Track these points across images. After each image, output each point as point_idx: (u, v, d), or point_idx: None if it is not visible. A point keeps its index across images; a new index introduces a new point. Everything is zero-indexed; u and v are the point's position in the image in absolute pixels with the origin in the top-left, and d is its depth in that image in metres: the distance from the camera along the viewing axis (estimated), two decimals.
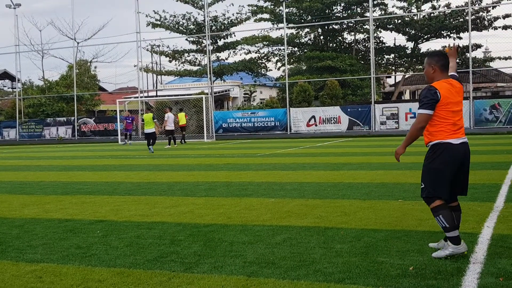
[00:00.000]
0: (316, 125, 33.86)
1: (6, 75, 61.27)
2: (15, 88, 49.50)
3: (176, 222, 7.03)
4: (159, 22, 40.00)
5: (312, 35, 45.94)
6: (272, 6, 42.39)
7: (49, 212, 8.17)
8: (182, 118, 29.35)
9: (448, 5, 40.02)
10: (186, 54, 42.28)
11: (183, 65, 42.73)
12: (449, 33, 40.33)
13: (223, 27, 40.54)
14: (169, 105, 31.94)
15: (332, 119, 33.41)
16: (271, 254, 5.27)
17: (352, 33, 44.95)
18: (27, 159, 21.42)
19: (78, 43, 43.18)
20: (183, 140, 29.41)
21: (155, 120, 23.66)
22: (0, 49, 42.74)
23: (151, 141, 22.69)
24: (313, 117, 33.95)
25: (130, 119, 33.23)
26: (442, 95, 4.83)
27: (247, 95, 49.50)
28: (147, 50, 42.40)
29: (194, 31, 40.43)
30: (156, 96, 45.62)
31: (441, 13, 39.42)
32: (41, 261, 5.36)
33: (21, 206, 8.89)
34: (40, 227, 7.08)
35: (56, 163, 18.24)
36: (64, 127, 39.50)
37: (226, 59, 43.42)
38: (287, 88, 35.62)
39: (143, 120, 24.10)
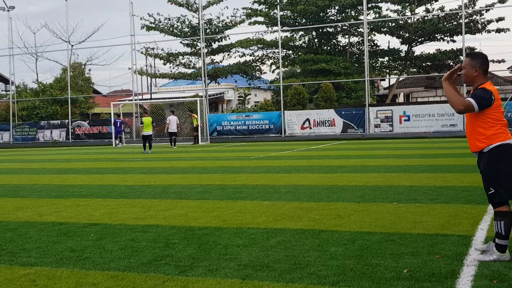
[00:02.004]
0: (310, 128, 33.91)
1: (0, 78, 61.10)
2: (9, 91, 49.31)
3: (171, 225, 7.02)
4: (153, 25, 39.99)
5: (306, 38, 46.04)
6: (266, 9, 42.45)
7: (43, 215, 8.14)
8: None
9: (441, 8, 40.20)
10: (180, 57, 42.28)
11: (178, 67, 42.76)
12: (443, 36, 40.49)
13: (217, 30, 40.57)
14: (171, 109, 32.32)
15: (326, 122, 33.47)
16: (265, 257, 5.27)
17: (347, 36, 45.08)
18: (20, 162, 21.35)
19: (72, 45, 43.15)
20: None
21: (154, 123, 24.39)
22: None
23: (147, 143, 24.10)
24: (308, 120, 34.00)
25: (119, 122, 33.49)
26: (495, 98, 4.80)
27: (241, 98, 49.53)
28: (142, 53, 42.37)
29: (189, 34, 40.44)
30: (151, 99, 45.58)
31: (435, 16, 39.59)
32: (35, 264, 5.34)
33: (15, 210, 8.85)
34: (34, 230, 7.05)
35: (50, 166, 18.19)
36: (58, 130, 39.39)
37: (221, 62, 43.48)
38: (281, 91, 35.67)
39: (142, 123, 24.68)
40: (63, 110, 41.19)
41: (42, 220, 7.78)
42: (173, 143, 29.08)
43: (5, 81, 56.01)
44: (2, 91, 59.11)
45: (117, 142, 33.28)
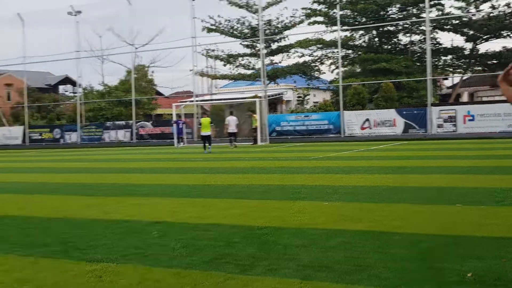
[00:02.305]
0: (370, 128, 33.43)
1: (67, 80, 63.51)
2: (76, 93, 51.20)
3: (231, 224, 7.11)
4: (214, 27, 40.50)
5: (366, 37, 45.38)
6: (326, 9, 42.14)
7: (109, 213, 8.42)
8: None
9: (508, 4, 38.70)
10: (240, 58, 42.64)
11: (237, 69, 43.13)
12: (509, 33, 38.97)
13: (276, 30, 40.65)
14: (231, 110, 32.78)
15: (387, 122, 32.91)
16: (325, 258, 5.26)
17: (408, 35, 44.12)
18: (87, 161, 22.12)
19: (136, 48, 44.28)
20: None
21: (212, 124, 24.87)
22: (62, 55, 44.34)
23: (206, 143, 24.66)
24: (367, 120, 33.54)
25: (180, 123, 34.28)
26: None
27: (300, 98, 49.37)
28: (202, 54, 42.99)
29: (248, 35, 40.71)
30: (211, 100, 46.19)
31: (501, 13, 38.16)
32: (101, 260, 5.53)
33: (83, 207, 9.20)
34: (100, 227, 7.31)
35: (115, 166, 18.75)
36: (123, 130, 40.52)
37: (280, 62, 43.52)
38: (341, 91, 35.34)
39: (200, 124, 25.28)
40: (127, 111, 42.35)
41: (108, 217, 8.05)
42: (232, 144, 29.39)
43: (73, 83, 58.19)
44: (70, 93, 61.47)
45: (180, 142, 33.94)
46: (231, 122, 29.50)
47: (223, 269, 5.02)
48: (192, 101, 40.87)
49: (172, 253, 5.72)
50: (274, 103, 51.56)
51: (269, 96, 41.97)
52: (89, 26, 48.92)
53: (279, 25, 40.77)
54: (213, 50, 42.32)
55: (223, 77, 45.61)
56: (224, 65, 43.17)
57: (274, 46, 41.70)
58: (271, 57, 42.64)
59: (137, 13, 56.32)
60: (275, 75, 42.01)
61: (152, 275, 4.92)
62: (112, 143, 40.11)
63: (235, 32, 41.13)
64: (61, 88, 64.65)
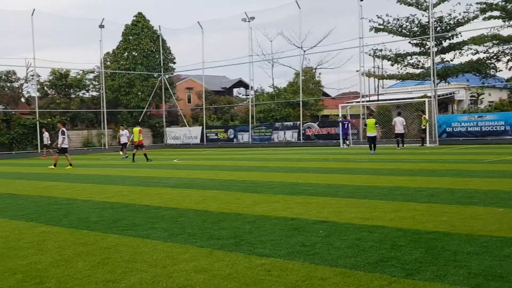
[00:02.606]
0: None
1: (241, 83, 66.85)
2: (249, 95, 53.65)
3: (397, 227, 7.01)
4: (382, 27, 39.75)
5: None
6: (503, 3, 39.08)
7: (277, 211, 8.78)
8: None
9: None
10: (408, 57, 41.30)
11: (406, 68, 41.82)
12: None
13: (448, 27, 38.67)
14: (398, 110, 32.17)
15: None
16: (499, 267, 4.98)
17: None
18: (257, 160, 23.11)
19: (304, 51, 45.13)
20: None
21: (377, 125, 24.72)
22: (237, 59, 46.51)
23: (372, 144, 24.66)
24: None
25: (346, 123, 34.28)
26: None
27: (473, 98, 46.46)
28: (370, 55, 42.38)
29: (418, 33, 39.28)
30: (378, 100, 45.41)
31: None
32: (269, 255, 5.81)
33: (253, 204, 9.69)
34: (269, 224, 7.65)
35: (283, 165, 19.37)
36: (291, 131, 41.57)
37: (451, 60, 41.27)
38: None
39: (365, 125, 25.30)
40: (295, 112, 43.35)
41: (276, 214, 8.40)
42: (400, 144, 28.85)
43: (246, 86, 61.08)
44: (243, 95, 64.58)
45: (345, 142, 34.22)
46: (398, 123, 28.95)
47: (388, 272, 5.00)
48: (358, 101, 40.58)
49: (337, 252, 5.82)
50: (445, 103, 49.13)
51: (439, 96, 40.11)
52: (261, 31, 50.86)
53: (451, 22, 38.72)
54: (380, 50, 41.53)
55: (391, 77, 44.55)
56: (392, 64, 42.12)
57: (445, 43, 39.71)
58: (442, 55, 40.64)
59: (306, 16, 57.28)
60: (445, 73, 39.97)
61: (317, 273, 5.06)
62: (280, 143, 41.38)
63: (403, 30, 39.93)
64: (235, 90, 68.19)
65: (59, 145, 23.02)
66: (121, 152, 31.84)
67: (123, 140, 31.39)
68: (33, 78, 43.76)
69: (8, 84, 43.72)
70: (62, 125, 23.87)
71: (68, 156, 22.98)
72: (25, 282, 5.14)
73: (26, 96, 46.02)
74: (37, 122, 39.81)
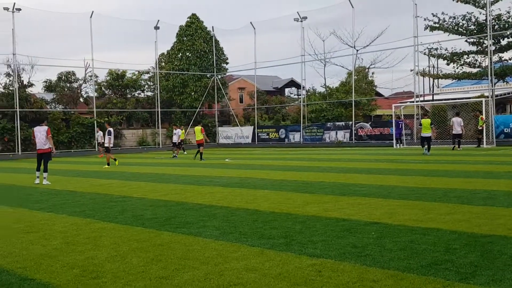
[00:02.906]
0: None
1: (292, 83, 66.75)
2: (300, 95, 53.52)
3: (451, 230, 6.86)
4: (437, 25, 38.85)
5: None
6: None
7: (328, 211, 8.74)
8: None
9: None
10: (465, 56, 40.21)
11: (462, 67, 40.72)
12: None
13: (506, 25, 37.40)
14: (456, 110, 31.49)
15: None
16: None
17: None
18: (309, 160, 23.04)
19: (357, 50, 44.66)
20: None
21: (432, 125, 24.69)
22: (288, 59, 46.47)
23: (425, 144, 24.54)
24: None
25: (400, 123, 33.75)
26: None
27: None
28: (424, 54, 41.53)
29: (475, 31, 38.18)
30: (432, 100, 44.42)
31: None
32: (320, 256, 5.80)
33: (304, 204, 9.68)
34: (320, 224, 7.63)
35: (334, 165, 19.23)
36: (343, 131, 41.21)
37: (510, 59, 39.88)
38: None
39: (420, 125, 25.21)
40: (347, 112, 42.95)
41: (327, 215, 8.36)
42: (456, 145, 28.23)
43: (298, 86, 60.95)
44: (294, 95, 64.48)
45: (398, 143, 33.72)
46: (456, 123, 28.29)
47: (442, 275, 4.90)
48: (412, 101, 39.82)
49: (389, 254, 5.75)
50: (503, 103, 47.52)
51: (496, 96, 38.86)
52: (313, 30, 50.55)
53: (510, 20, 37.42)
54: (436, 49, 40.65)
55: (446, 76, 43.48)
56: (447, 63, 41.07)
57: (503, 42, 38.41)
58: (500, 54, 39.34)
59: (359, 15, 56.64)
60: (504, 73, 38.65)
61: (369, 275, 5.02)
62: (331, 143, 41.09)
63: (460, 29, 38.89)
64: (287, 90, 68.14)
65: (105, 144, 23.93)
66: (184, 151, 32.73)
67: (176, 139, 31.87)
68: (91, 79, 45.16)
69: (68, 85, 45.23)
70: (109, 125, 24.71)
71: (110, 155, 23.61)
72: (83, 276, 5.32)
73: (85, 96, 47.46)
74: (95, 122, 41.02)
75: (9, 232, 7.84)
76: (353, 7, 40.29)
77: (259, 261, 5.67)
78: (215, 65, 49.49)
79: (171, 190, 12.83)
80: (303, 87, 48.24)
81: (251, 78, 56.49)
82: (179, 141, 32.83)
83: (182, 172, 18.35)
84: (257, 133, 47.15)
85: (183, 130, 36.94)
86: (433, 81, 52.25)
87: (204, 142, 27.02)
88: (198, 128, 27.19)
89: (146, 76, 51.39)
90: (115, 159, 23.72)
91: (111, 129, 24.00)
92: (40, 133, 15.65)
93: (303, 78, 45.50)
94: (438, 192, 10.70)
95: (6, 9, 36.96)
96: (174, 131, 32.40)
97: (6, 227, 8.29)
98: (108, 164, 22.95)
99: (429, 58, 43.98)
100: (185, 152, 34.43)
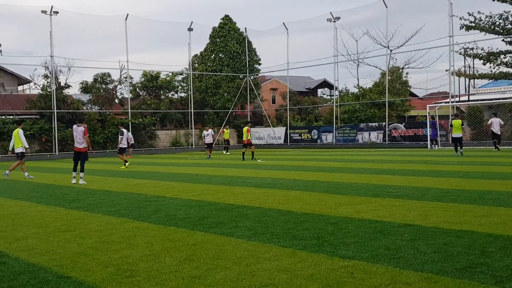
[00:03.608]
0: None
1: (325, 84, 66.47)
2: (333, 95, 53.25)
3: (487, 233, 6.74)
4: (473, 24, 38.17)
5: None
6: None
7: (361, 213, 8.68)
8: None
9: None
10: (502, 56, 39.36)
11: (499, 67, 39.88)
12: None
13: None
14: (494, 111, 30.98)
15: None
16: None
17: None
18: (341, 161, 22.90)
19: (391, 50, 44.19)
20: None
21: (464, 126, 24.71)
22: (321, 60, 46.43)
23: (458, 145, 24.72)
24: None
25: (434, 124, 33.33)
26: None
27: None
28: (460, 53, 40.79)
29: None
30: (468, 100, 43.64)
31: None
32: (352, 258, 5.77)
33: (336, 205, 9.64)
34: (352, 226, 7.58)
35: (367, 166, 19.08)
36: (376, 132, 40.82)
37: None
38: None
39: (451, 125, 25.10)
40: (380, 113, 42.53)
41: (360, 217, 8.31)
42: (496, 146, 27.75)
43: (330, 86, 60.66)
44: (327, 96, 64.20)
45: (434, 144, 33.25)
46: (495, 124, 27.81)
47: (476, 279, 4.83)
48: (447, 102, 39.19)
49: (423, 257, 5.68)
50: None
51: None
52: (346, 30, 50.26)
53: None
54: (471, 49, 39.87)
55: (482, 76, 42.66)
56: (484, 63, 40.28)
57: None
58: None
59: (393, 15, 56.04)
60: None
61: (402, 278, 4.97)
62: (364, 144, 40.76)
63: (496, 28, 38.11)
64: (319, 91, 67.91)
65: (118, 145, 24.29)
66: (226, 152, 33.01)
67: (208, 140, 31.90)
68: (126, 80, 45.81)
69: (103, 86, 46.00)
70: (122, 126, 25.14)
71: (122, 156, 23.86)
72: (117, 275, 5.41)
73: (120, 97, 48.24)
74: (129, 122, 41.61)
75: (46, 231, 8.03)
76: (387, 7, 39.91)
77: (291, 262, 5.68)
78: (247, 66, 49.63)
79: (203, 190, 12.93)
80: (335, 88, 47.97)
81: (283, 79, 56.45)
82: (224, 141, 33.22)
83: (215, 173, 18.47)
84: (290, 134, 47.08)
85: (228, 130, 37.02)
86: (469, 81, 51.32)
87: (248, 142, 27.13)
88: (245, 129, 27.62)
89: (179, 77, 51.92)
90: (126, 161, 23.65)
91: (124, 130, 24.31)
92: (77, 132, 15.98)
93: (336, 78, 45.27)
94: (473, 194, 10.52)
95: (44, 12, 37.82)
96: (206, 132, 32.39)
97: (44, 226, 8.50)
98: (125, 164, 23.17)
99: (464, 58, 43.19)
100: (227, 153, 34.52)
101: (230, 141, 42.55)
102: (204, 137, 32.59)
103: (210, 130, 32.66)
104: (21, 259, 6.23)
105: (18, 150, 19.05)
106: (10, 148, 19.60)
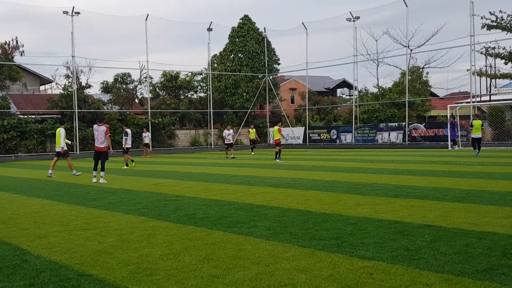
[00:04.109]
0: None
1: (344, 84, 66.17)
2: (352, 95, 52.98)
3: (509, 234, 6.66)
4: (495, 23, 37.70)
5: None
6: None
7: (380, 213, 8.63)
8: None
9: None
10: None
11: None
12: None
13: None
14: None
15: None
16: None
17: None
18: (361, 161, 22.78)
19: (411, 50, 43.83)
20: None
21: (483, 127, 24.93)
22: (340, 59, 46.26)
23: (476, 145, 24.92)
24: None
25: (452, 124, 33.01)
26: None
27: None
28: (481, 53, 40.31)
29: None
30: (489, 100, 43.11)
31: None
32: (372, 258, 5.74)
33: (355, 205, 9.60)
34: (372, 226, 7.55)
35: (387, 167, 18.95)
36: (396, 132, 40.53)
37: None
38: None
39: (472, 125, 25.06)
40: (400, 113, 42.22)
41: (379, 217, 8.26)
42: None
43: (350, 86, 60.38)
44: (346, 96, 63.90)
45: (454, 144, 32.94)
46: None
47: (498, 281, 4.78)
48: (468, 102, 38.77)
49: (444, 258, 5.64)
50: None
51: None
52: (366, 30, 49.95)
53: None
54: (493, 48, 39.41)
55: (504, 76, 42.13)
56: (506, 63, 39.75)
57: None
58: None
59: (413, 14, 55.61)
60: None
61: (422, 279, 4.94)
62: (384, 144, 40.50)
63: None
64: (339, 91, 67.61)
65: (123, 146, 24.53)
66: (252, 152, 33.17)
67: (229, 140, 31.73)
68: (146, 80, 46.13)
69: (124, 86, 46.38)
70: (126, 126, 25.37)
71: (128, 156, 24.05)
72: (137, 273, 5.46)
73: (140, 97, 48.60)
74: (149, 122, 41.88)
75: (68, 229, 8.13)
76: (407, 6, 39.60)
77: (310, 262, 5.67)
78: (266, 66, 49.63)
79: (222, 190, 12.97)
80: (355, 88, 47.74)
81: (302, 79, 56.34)
82: (251, 141, 33.28)
83: (234, 172, 18.51)
84: (308, 134, 46.98)
85: (253, 130, 36.30)
86: (490, 81, 50.72)
87: (280, 142, 27.02)
88: (275, 128, 27.53)
89: (199, 77, 52.11)
90: (132, 161, 23.89)
91: (128, 130, 24.48)
92: (99, 132, 16.14)
93: (355, 78, 45.10)
94: (495, 195, 10.39)
95: (65, 13, 38.25)
96: (228, 132, 32.12)
97: (65, 224, 8.60)
98: (127, 165, 23.35)
99: (486, 57, 42.69)
100: (253, 153, 34.43)
101: (247, 141, 42.52)
102: (225, 136, 32.26)
103: (231, 130, 32.52)
104: (43, 256, 6.31)
105: (58, 149, 19.70)
106: (62, 145, 20.01)
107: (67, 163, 20.33)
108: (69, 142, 20.74)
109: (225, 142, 31.94)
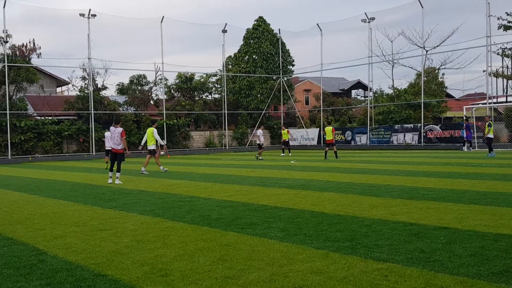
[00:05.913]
0: None
1: (359, 85, 65.90)
2: (367, 96, 52.76)
3: None
4: (511, 24, 37.36)
5: None
6: None
7: (395, 215, 8.59)
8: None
9: None
10: None
11: None
12: None
13: None
14: None
15: None
16: None
17: None
18: (376, 163, 22.67)
19: (426, 51, 43.53)
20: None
21: (490, 127, 25.43)
22: (355, 60, 46.07)
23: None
24: None
25: (467, 125, 32.69)
26: None
27: None
28: (498, 54, 39.92)
29: None
30: (506, 102, 42.65)
31: None
32: (386, 260, 5.72)
33: (370, 207, 9.57)
34: (387, 228, 7.52)
35: (402, 168, 18.85)
36: (411, 133, 40.27)
37: None
38: None
39: (490, 125, 25.18)
40: (416, 114, 41.94)
41: (394, 219, 8.22)
42: None
43: (364, 88, 60.14)
44: (361, 97, 63.65)
45: (469, 146, 32.65)
46: None
47: None
48: (484, 103, 38.40)
49: (459, 260, 5.60)
50: None
51: None
52: (381, 31, 49.60)
53: None
54: (510, 49, 39.02)
55: None
56: None
57: None
58: None
59: (429, 15, 55.21)
60: None
61: (437, 281, 4.91)
62: (399, 145, 40.26)
63: None
64: (353, 92, 67.36)
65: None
66: (289, 153, 33.20)
67: (260, 140, 30.69)
68: (161, 82, 46.36)
69: (139, 88, 46.65)
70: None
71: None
72: (152, 274, 5.50)
73: (155, 98, 48.82)
74: (164, 123, 42.07)
75: (83, 229, 8.20)
76: (422, 7, 39.36)
77: (324, 263, 5.67)
78: (281, 67, 49.61)
79: (237, 191, 13.00)
80: (370, 89, 47.54)
81: (317, 80, 56.20)
82: (283, 142, 33.33)
83: (248, 174, 18.53)
84: (323, 135, 46.83)
85: (285, 130, 35.14)
86: (507, 82, 50.18)
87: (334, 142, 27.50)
88: (329, 129, 28.04)
89: (213, 79, 52.25)
90: (107, 162, 23.23)
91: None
92: (114, 133, 16.25)
93: (370, 79, 44.89)
94: (511, 197, 10.30)
95: (82, 15, 38.57)
96: (260, 132, 31.35)
97: (81, 224, 8.68)
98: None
99: (502, 58, 42.24)
100: (283, 154, 34.01)
101: (265, 142, 42.42)
102: (258, 136, 31.06)
103: (259, 131, 31.70)
104: (59, 257, 6.38)
105: (151, 147, 20.75)
106: (142, 143, 21.50)
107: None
108: (162, 142, 21.94)
109: (257, 143, 30.94)
